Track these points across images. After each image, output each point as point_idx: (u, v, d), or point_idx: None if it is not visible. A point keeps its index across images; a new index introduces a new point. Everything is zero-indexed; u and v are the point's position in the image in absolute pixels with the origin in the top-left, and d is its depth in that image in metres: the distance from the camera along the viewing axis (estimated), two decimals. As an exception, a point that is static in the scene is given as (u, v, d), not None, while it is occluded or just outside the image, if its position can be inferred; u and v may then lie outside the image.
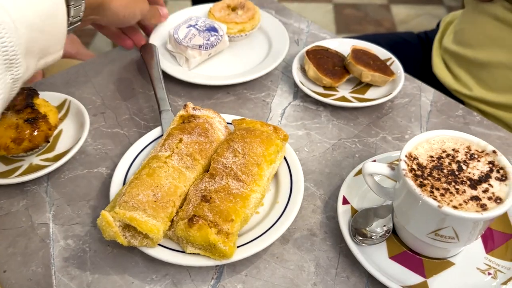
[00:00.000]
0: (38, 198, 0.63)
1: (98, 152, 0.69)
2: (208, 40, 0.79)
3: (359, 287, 0.53)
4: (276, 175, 0.63)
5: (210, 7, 0.88)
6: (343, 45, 0.85)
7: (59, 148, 0.68)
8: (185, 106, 0.65)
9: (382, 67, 0.78)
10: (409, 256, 0.55)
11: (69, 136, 0.70)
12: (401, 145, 0.69)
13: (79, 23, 0.59)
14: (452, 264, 0.54)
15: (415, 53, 1.18)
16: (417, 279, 0.52)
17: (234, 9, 0.87)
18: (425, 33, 1.23)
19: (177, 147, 0.59)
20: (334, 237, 0.58)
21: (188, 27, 0.80)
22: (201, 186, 0.56)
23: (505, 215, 0.58)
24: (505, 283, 0.52)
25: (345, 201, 0.59)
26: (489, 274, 0.53)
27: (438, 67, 1.07)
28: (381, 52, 0.83)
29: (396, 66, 0.80)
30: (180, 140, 0.60)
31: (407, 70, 1.16)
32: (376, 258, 0.54)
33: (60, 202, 0.62)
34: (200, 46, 0.78)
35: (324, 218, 0.61)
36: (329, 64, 0.78)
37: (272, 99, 0.78)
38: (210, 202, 0.54)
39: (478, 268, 0.54)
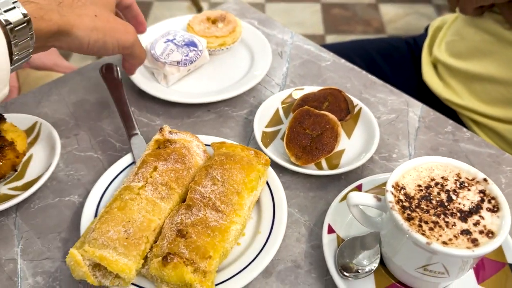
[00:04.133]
0: (5, 231, 0.59)
1: (70, 179, 0.65)
2: (186, 55, 0.75)
3: (345, 324, 0.51)
4: (258, 202, 0.60)
5: (189, 19, 0.84)
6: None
7: (29, 174, 0.64)
8: (161, 129, 0.62)
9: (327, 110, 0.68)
10: (398, 290, 0.52)
11: (40, 161, 0.66)
12: (388, 165, 0.67)
13: (30, 55, 0.51)
14: (443, 297, 0.52)
15: (403, 59, 1.15)
16: (406, 314, 0.50)
17: (214, 21, 0.83)
18: (413, 38, 1.19)
19: (151, 176, 0.55)
20: (319, 268, 0.55)
21: (165, 42, 0.76)
22: (177, 219, 0.52)
23: (497, 242, 0.55)
24: (498, 317, 0.49)
25: (331, 230, 0.56)
26: (482, 306, 0.50)
27: (429, 76, 1.04)
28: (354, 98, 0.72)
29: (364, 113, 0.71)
30: (155, 168, 0.56)
31: (395, 76, 1.14)
32: (363, 293, 0.51)
33: (29, 234, 0.59)
34: (178, 63, 0.75)
35: (309, 247, 0.58)
36: (305, 138, 0.65)
37: (254, 117, 0.74)
38: (186, 237, 0.50)
39: (470, 301, 0.51)
